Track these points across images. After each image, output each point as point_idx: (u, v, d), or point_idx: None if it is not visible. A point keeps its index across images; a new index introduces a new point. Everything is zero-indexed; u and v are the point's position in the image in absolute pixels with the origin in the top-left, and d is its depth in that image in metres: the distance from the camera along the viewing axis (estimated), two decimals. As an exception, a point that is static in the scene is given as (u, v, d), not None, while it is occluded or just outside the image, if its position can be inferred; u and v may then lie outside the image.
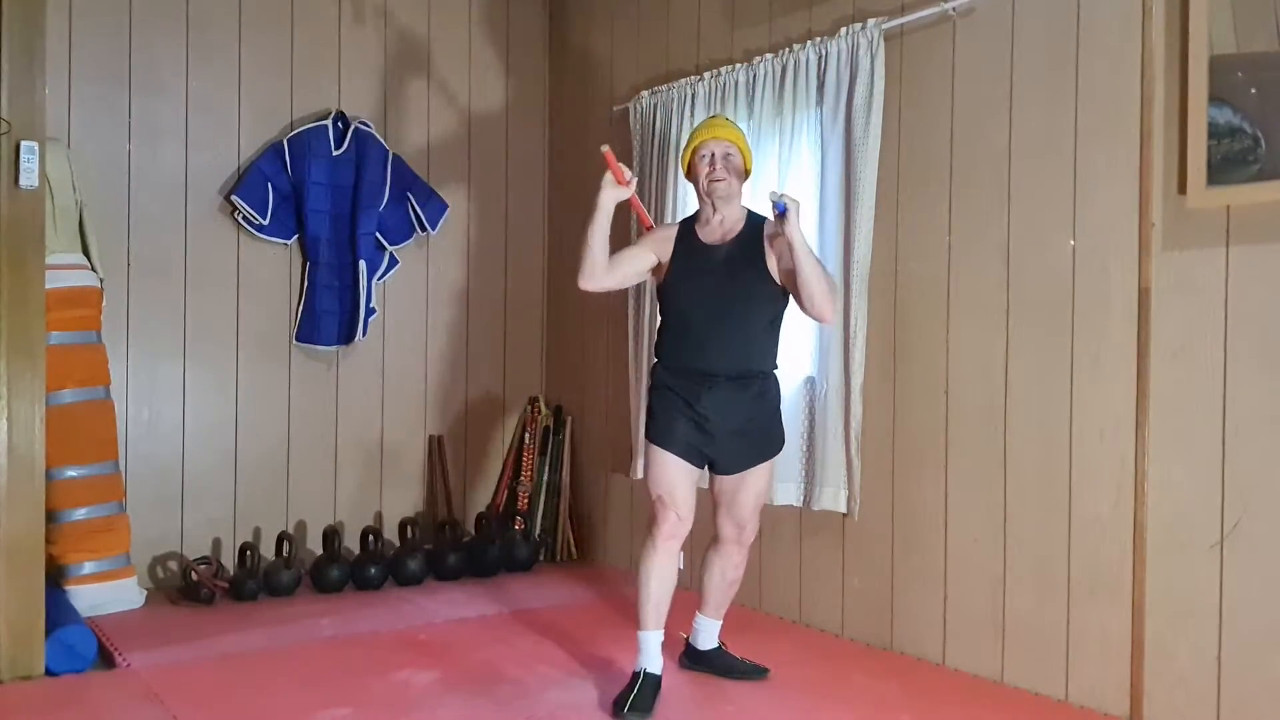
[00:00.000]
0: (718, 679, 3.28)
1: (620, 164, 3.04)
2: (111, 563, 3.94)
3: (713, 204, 3.13)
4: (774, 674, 3.27)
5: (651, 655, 3.05)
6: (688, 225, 3.22)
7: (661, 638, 3.08)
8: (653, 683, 3.02)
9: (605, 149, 3.01)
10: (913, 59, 3.52)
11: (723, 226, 3.14)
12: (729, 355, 3.05)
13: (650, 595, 3.05)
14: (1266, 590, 2.66)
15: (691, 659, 3.36)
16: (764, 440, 3.14)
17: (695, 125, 3.24)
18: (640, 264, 3.19)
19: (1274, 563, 2.65)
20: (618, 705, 2.93)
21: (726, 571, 3.25)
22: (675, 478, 3.06)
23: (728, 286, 3.06)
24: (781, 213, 2.89)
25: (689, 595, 3.46)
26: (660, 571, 3.05)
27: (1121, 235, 2.96)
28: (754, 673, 3.28)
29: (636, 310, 4.50)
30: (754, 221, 3.16)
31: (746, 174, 3.20)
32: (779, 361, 3.21)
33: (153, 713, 2.93)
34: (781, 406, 3.22)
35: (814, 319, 3.09)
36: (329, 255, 4.62)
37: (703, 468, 3.14)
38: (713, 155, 3.10)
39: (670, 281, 3.15)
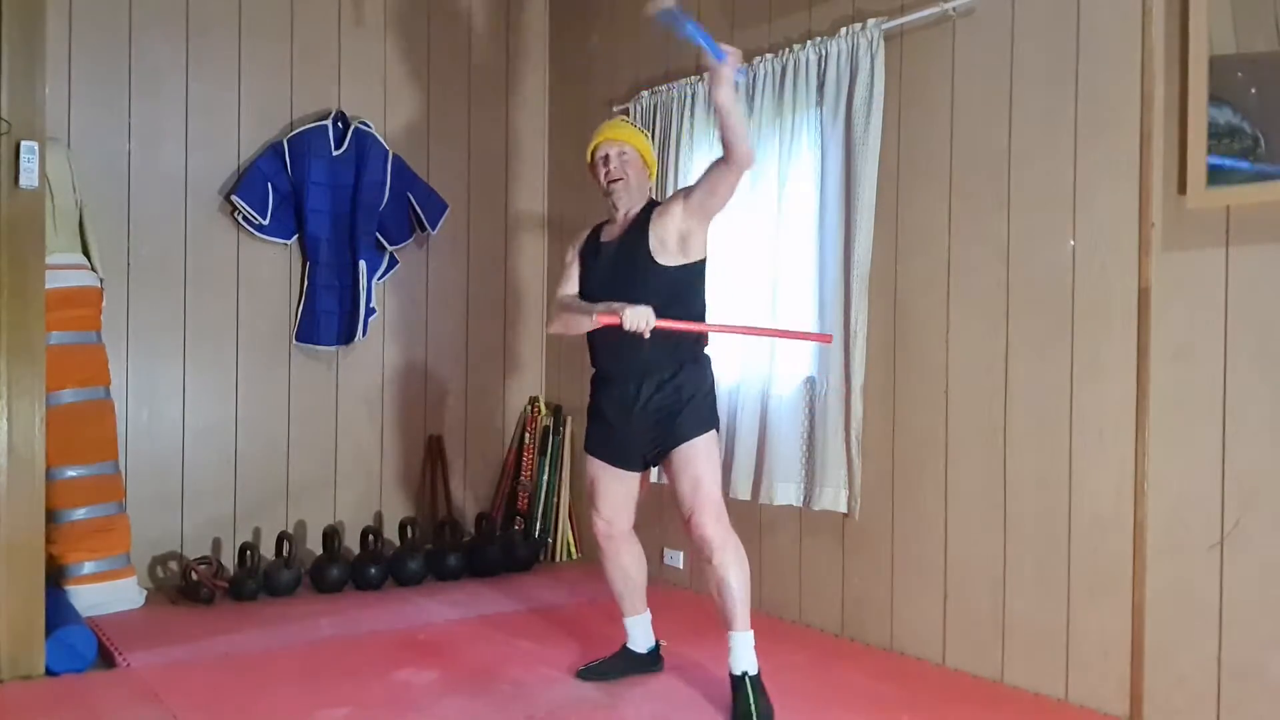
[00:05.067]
0: (723, 679, 3.24)
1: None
2: (111, 563, 3.94)
3: (613, 202, 3.16)
4: (774, 674, 3.14)
5: (633, 635, 3.30)
6: (595, 229, 3.28)
7: (642, 621, 3.29)
8: (627, 657, 3.28)
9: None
10: (913, 59, 3.52)
11: (625, 219, 3.16)
12: (615, 352, 3.05)
13: (614, 588, 3.28)
14: (1266, 590, 2.66)
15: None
16: (678, 418, 2.99)
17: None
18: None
19: (1274, 563, 2.65)
20: (583, 668, 3.25)
21: (708, 576, 2.99)
22: (596, 479, 3.19)
23: (612, 284, 3.05)
24: (720, 58, 2.81)
25: (686, 596, 3.45)
26: (609, 570, 3.25)
27: (1121, 235, 2.96)
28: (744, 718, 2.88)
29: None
30: (645, 209, 3.13)
31: (649, 169, 3.22)
32: (697, 351, 3.08)
33: (153, 713, 2.93)
34: (705, 379, 3.08)
35: (738, 168, 2.90)
36: (329, 255, 4.62)
37: (637, 468, 3.16)
38: (607, 156, 3.16)
39: (580, 291, 3.20)
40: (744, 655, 2.92)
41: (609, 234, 3.20)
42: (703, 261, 3.09)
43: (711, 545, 2.94)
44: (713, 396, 3.11)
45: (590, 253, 3.22)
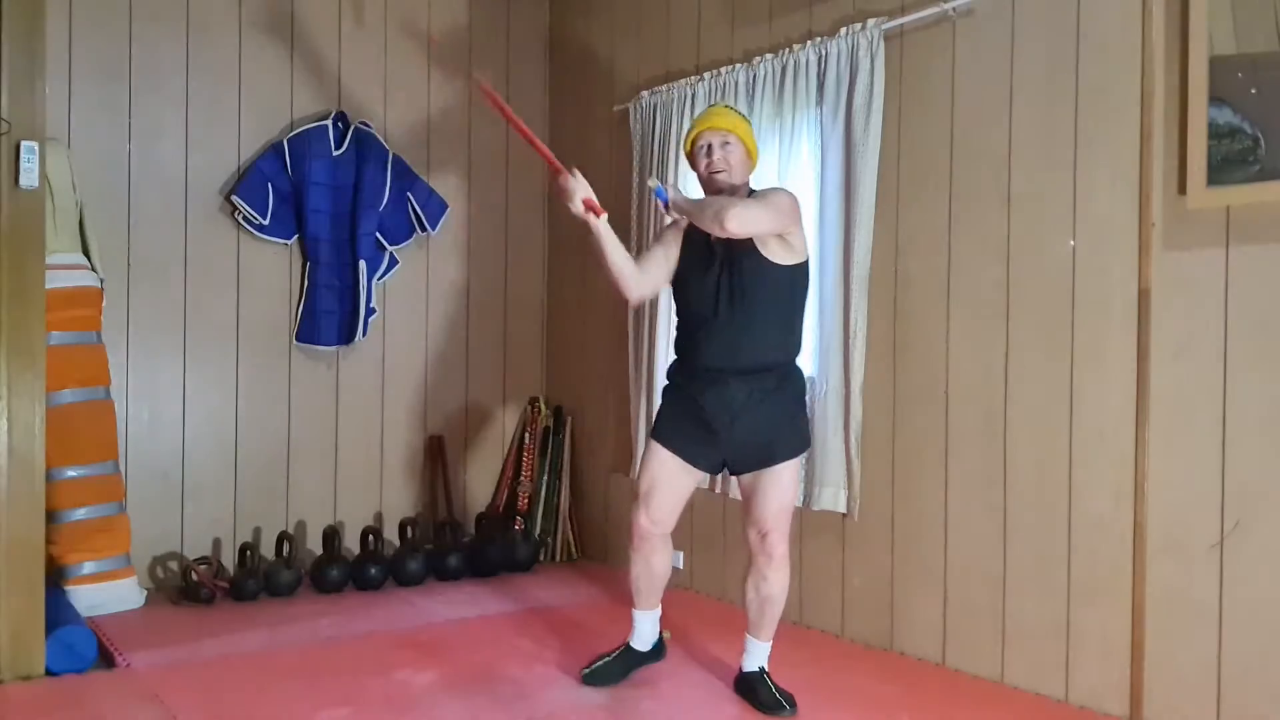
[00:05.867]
0: (725, 678, 3.25)
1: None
2: (111, 563, 3.94)
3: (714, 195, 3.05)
4: (774, 674, 3.21)
5: (639, 632, 3.20)
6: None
7: (653, 616, 3.20)
8: (631, 656, 3.18)
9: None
10: (913, 59, 3.52)
11: None
12: (733, 350, 2.96)
13: (633, 583, 3.18)
14: (1266, 590, 2.66)
15: (736, 683, 3.16)
16: (778, 438, 2.99)
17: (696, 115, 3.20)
18: (670, 262, 3.11)
19: (1274, 563, 2.65)
20: (585, 668, 3.14)
21: (759, 587, 3.03)
22: (657, 475, 3.05)
23: (727, 279, 2.97)
24: (665, 204, 2.91)
25: (686, 596, 3.45)
26: (636, 565, 3.13)
27: (1121, 235, 2.96)
28: (774, 706, 2.98)
29: (636, 310, 4.49)
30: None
31: (752, 162, 3.11)
32: (796, 353, 3.09)
33: (153, 713, 2.93)
34: (805, 400, 3.12)
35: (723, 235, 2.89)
36: (329, 255, 4.62)
37: (710, 471, 3.12)
38: (710, 146, 3.04)
39: (677, 277, 3.11)
40: (764, 657, 3.10)
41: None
42: (806, 261, 3.04)
43: (775, 564, 3.01)
44: (806, 411, 3.13)
45: (691, 244, 3.07)
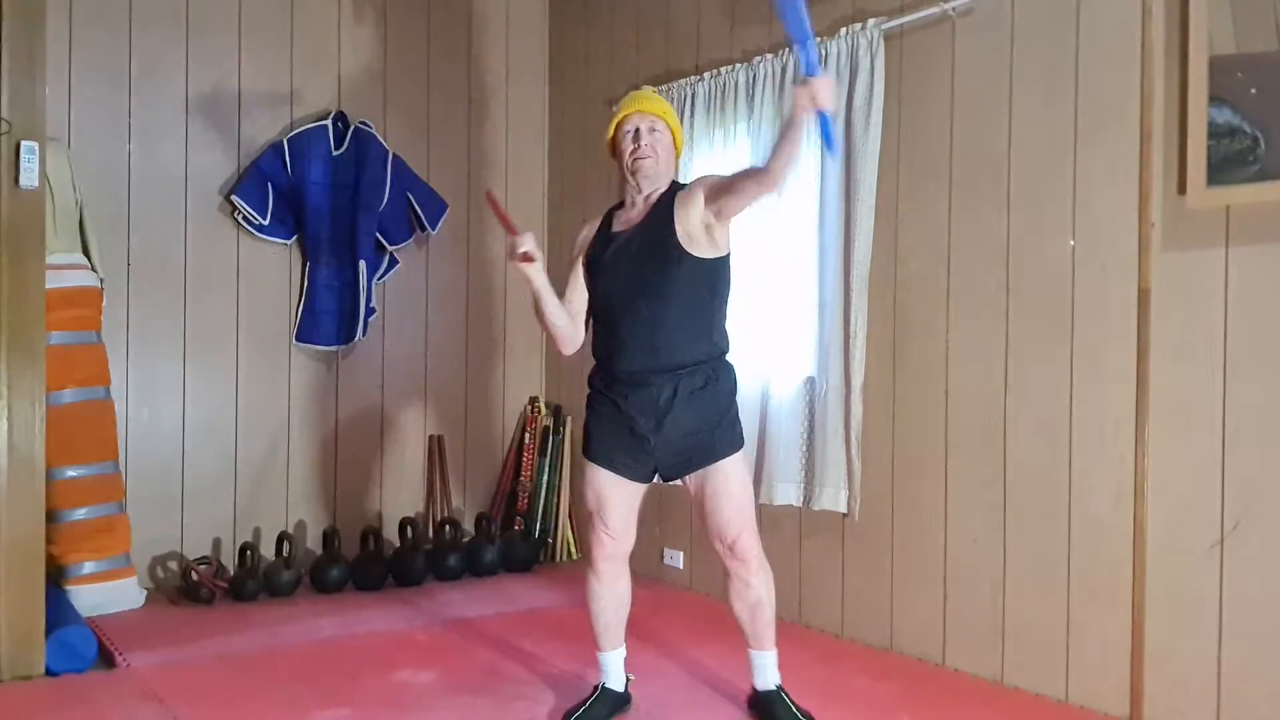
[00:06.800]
0: (727, 681, 3.22)
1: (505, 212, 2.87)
2: (111, 563, 3.94)
3: (637, 184, 2.84)
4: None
5: (609, 673, 2.95)
6: (608, 215, 2.97)
7: (621, 655, 2.97)
8: (610, 698, 2.93)
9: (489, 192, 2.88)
10: (913, 59, 3.52)
11: (647, 202, 2.85)
12: (650, 349, 2.75)
13: (597, 620, 2.93)
14: (1266, 590, 2.66)
15: (750, 703, 2.97)
16: (714, 435, 2.78)
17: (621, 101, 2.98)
18: (584, 290, 2.93)
19: (1274, 563, 2.65)
20: (566, 716, 2.86)
21: (743, 595, 2.85)
22: (604, 492, 2.85)
23: (636, 273, 2.77)
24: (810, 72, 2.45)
25: (686, 597, 3.44)
26: (602, 597, 2.90)
27: (1121, 235, 2.96)
28: None
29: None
30: (669, 191, 2.84)
31: (677, 152, 2.92)
32: (725, 348, 2.87)
33: (153, 713, 2.93)
34: (735, 393, 2.87)
35: (769, 185, 2.65)
36: (329, 255, 4.62)
37: (646, 479, 2.88)
38: (637, 130, 2.82)
39: (589, 280, 2.90)
40: (773, 671, 2.90)
41: (624, 220, 2.89)
42: (729, 255, 2.84)
43: (751, 568, 2.82)
44: (738, 407, 2.89)
45: (601, 242, 2.89)
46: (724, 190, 2.71)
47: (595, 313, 2.94)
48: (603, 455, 2.86)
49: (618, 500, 2.85)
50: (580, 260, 2.95)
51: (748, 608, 2.86)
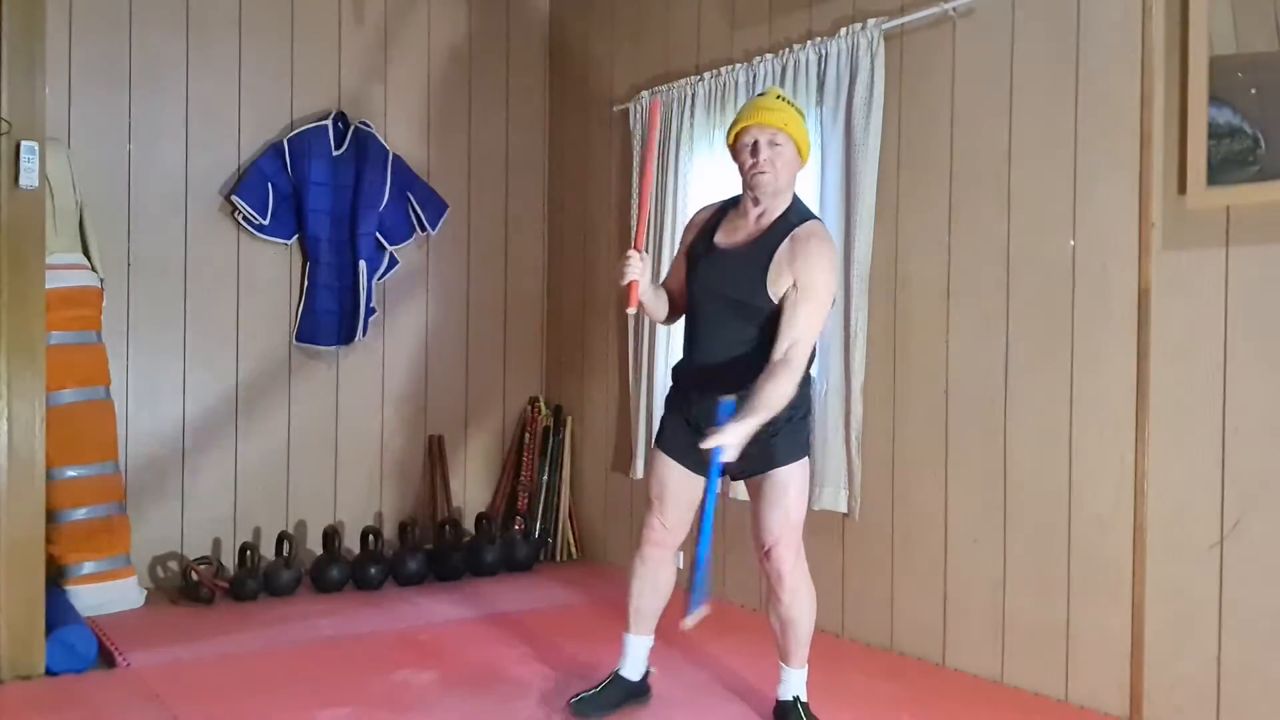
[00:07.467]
0: (734, 687, 3.21)
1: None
2: (111, 563, 3.94)
3: (754, 197, 2.77)
4: (774, 674, 3.19)
5: (629, 659, 2.97)
6: (722, 212, 2.90)
7: (646, 644, 2.99)
8: (622, 687, 2.94)
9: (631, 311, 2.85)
10: (913, 59, 3.52)
11: (759, 222, 2.78)
12: (724, 365, 2.76)
13: (632, 599, 2.95)
14: (1266, 590, 2.66)
15: (775, 712, 2.93)
16: (771, 443, 2.71)
17: (742, 104, 2.87)
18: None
19: (1274, 563, 2.65)
20: (574, 696, 2.91)
21: (775, 608, 2.83)
22: (664, 480, 2.87)
23: (727, 291, 2.76)
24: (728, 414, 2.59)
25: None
26: (642, 579, 2.93)
27: (1121, 235, 2.96)
28: None
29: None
30: (783, 223, 2.75)
31: (803, 160, 2.80)
32: (810, 361, 2.81)
33: (153, 713, 2.93)
34: (803, 404, 2.80)
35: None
36: (329, 255, 4.62)
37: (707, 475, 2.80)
38: (756, 144, 2.71)
39: (688, 276, 2.89)
40: (798, 685, 2.89)
41: (731, 233, 2.81)
42: None
43: (785, 583, 2.78)
44: (810, 420, 2.88)
45: (706, 245, 2.83)
46: (784, 309, 2.68)
47: (688, 305, 2.92)
48: (667, 444, 2.89)
49: (677, 490, 2.86)
50: (685, 249, 2.95)
51: (780, 622, 2.85)
